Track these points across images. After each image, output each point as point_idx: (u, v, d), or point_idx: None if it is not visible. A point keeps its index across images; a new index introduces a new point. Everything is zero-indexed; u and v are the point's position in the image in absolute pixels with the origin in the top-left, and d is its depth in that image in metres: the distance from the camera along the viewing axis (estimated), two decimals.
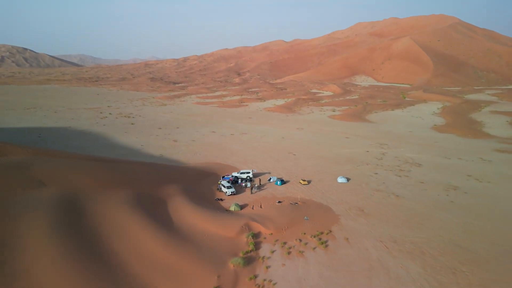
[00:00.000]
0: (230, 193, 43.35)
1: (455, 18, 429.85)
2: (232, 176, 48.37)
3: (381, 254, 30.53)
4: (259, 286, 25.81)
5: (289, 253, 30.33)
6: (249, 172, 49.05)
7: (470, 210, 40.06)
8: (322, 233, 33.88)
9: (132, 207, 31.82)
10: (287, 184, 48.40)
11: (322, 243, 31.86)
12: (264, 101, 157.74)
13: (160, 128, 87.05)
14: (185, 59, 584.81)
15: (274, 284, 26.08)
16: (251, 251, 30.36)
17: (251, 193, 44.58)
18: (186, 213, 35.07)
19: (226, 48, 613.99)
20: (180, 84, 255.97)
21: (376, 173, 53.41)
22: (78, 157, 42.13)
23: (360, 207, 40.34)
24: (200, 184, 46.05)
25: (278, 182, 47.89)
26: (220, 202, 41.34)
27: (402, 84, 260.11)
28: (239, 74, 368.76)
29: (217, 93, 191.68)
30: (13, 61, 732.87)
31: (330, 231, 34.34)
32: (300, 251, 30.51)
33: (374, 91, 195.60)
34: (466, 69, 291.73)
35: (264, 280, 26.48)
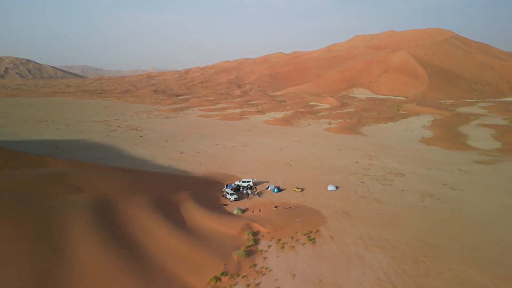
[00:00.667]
0: (233, 199, 49.88)
1: (450, 32, 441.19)
2: (235, 184, 54.93)
3: (359, 248, 36.84)
4: (257, 272, 32.13)
5: (282, 247, 36.67)
6: (249, 181, 55.61)
7: (440, 214, 46.45)
8: (311, 232, 40.24)
9: (152, 209, 38.35)
10: (283, 191, 54.87)
11: (310, 240, 38.20)
12: (264, 113, 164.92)
13: (167, 141, 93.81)
14: (186, 71, 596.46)
15: (270, 270, 32.40)
16: (251, 245, 36.71)
17: (248, 198, 51.19)
18: (196, 215, 41.57)
19: (227, 60, 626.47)
20: (182, 97, 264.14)
21: (363, 182, 59.88)
22: (104, 167, 48.78)
23: (346, 211, 46.73)
24: (206, 191, 52.59)
25: (275, 190, 54.35)
26: (224, 207, 47.81)
27: (398, 96, 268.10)
28: (239, 86, 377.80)
29: (218, 106, 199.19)
30: (16, 73, 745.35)
31: (318, 230, 40.70)
32: (292, 246, 36.84)
33: (370, 103, 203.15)
34: (460, 82, 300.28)
35: (262, 267, 32.81)
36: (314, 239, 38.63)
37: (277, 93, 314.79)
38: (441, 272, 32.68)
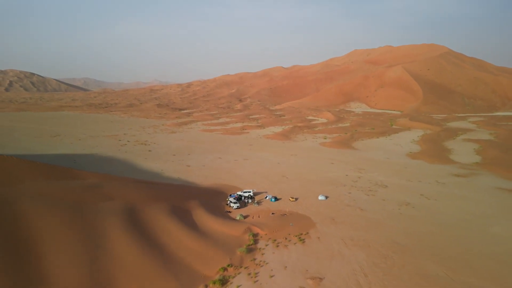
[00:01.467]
0: (236, 207, 57.94)
1: (444, 48, 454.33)
2: (237, 194, 63.02)
3: (341, 247, 44.67)
4: (256, 264, 39.97)
5: (277, 246, 44.54)
6: (250, 192, 63.68)
7: (413, 219, 54.36)
8: (301, 234, 48.12)
9: (170, 215, 46.40)
10: (280, 200, 62.85)
11: (300, 240, 46.08)
12: (264, 128, 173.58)
13: (174, 155, 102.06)
14: (188, 85, 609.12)
15: (267, 263, 40.24)
16: (251, 244, 44.59)
17: (245, 205, 59.35)
18: (205, 219, 49.59)
19: (228, 74, 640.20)
20: (185, 111, 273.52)
21: (350, 193, 67.89)
22: (127, 179, 56.99)
23: (332, 217, 54.66)
24: (213, 200, 60.65)
25: (272, 199, 62.37)
26: (229, 213, 55.82)
27: (393, 111, 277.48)
28: (240, 100, 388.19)
29: (221, 120, 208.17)
30: (21, 86, 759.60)
31: (308, 233, 48.59)
32: (285, 245, 44.71)
33: (366, 118, 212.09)
34: (454, 97, 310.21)
35: (260, 261, 40.66)
36: (304, 239, 46.50)
37: (277, 107, 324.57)
38: (405, 265, 40.45)
